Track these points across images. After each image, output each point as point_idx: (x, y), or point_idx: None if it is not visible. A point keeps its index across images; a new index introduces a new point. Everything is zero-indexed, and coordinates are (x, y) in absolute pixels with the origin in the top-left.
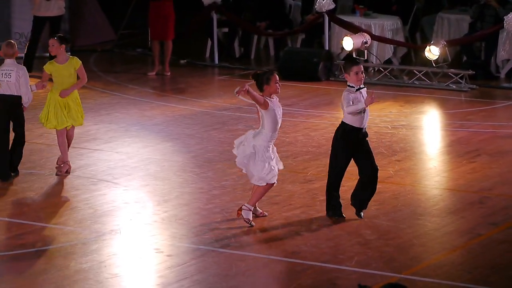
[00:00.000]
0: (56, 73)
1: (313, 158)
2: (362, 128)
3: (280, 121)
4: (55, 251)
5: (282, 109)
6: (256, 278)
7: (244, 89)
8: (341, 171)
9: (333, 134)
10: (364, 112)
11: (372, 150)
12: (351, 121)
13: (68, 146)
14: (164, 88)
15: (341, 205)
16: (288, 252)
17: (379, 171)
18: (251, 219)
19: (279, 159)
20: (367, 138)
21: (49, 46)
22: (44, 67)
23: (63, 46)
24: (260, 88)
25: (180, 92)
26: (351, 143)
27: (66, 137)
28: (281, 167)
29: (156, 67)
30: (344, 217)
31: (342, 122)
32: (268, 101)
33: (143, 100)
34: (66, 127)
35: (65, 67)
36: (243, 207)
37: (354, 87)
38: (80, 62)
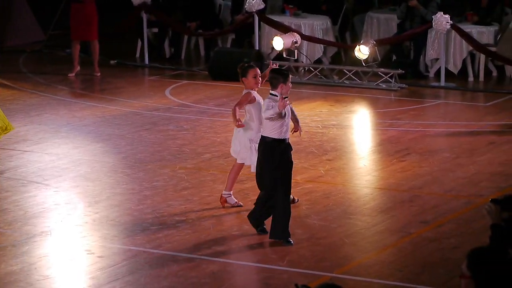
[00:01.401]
0: None
1: None
2: (284, 139)
3: None
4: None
5: (214, 109)
6: (188, 278)
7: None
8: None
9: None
10: (284, 120)
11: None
12: (270, 132)
13: None
14: (94, 89)
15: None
16: (219, 252)
17: (311, 171)
18: (236, 201)
19: None
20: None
21: None
22: None
23: None
24: (240, 79)
25: (110, 92)
26: (276, 157)
27: None
28: None
29: (75, 68)
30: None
31: (262, 136)
32: (253, 94)
33: (73, 101)
34: None
35: None
36: (224, 194)
37: (277, 95)
38: None
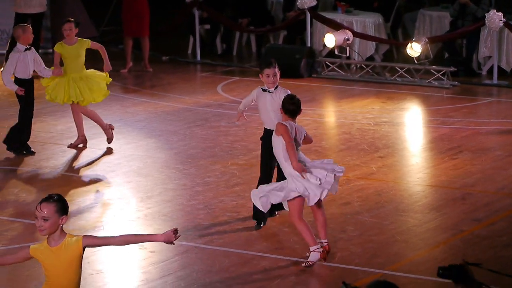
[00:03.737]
0: (66, 54)
1: None
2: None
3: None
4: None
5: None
6: (239, 274)
7: None
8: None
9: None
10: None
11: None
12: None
13: (78, 124)
14: (147, 85)
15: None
16: (271, 248)
17: (363, 168)
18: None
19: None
20: None
21: (65, 30)
22: (54, 48)
23: (77, 30)
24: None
25: (163, 88)
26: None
27: (88, 115)
28: None
29: (128, 64)
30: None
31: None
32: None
33: (126, 97)
34: (79, 103)
35: (74, 48)
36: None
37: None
38: (89, 40)
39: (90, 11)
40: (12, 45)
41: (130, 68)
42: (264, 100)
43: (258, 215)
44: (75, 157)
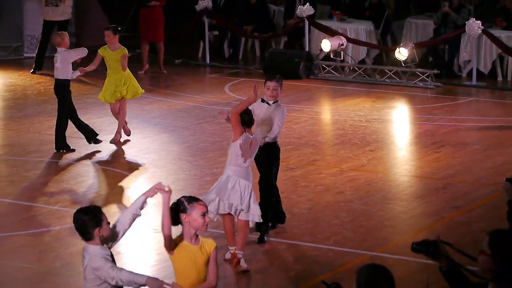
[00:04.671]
0: (108, 57)
1: (294, 148)
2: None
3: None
4: (63, 231)
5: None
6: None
7: None
8: None
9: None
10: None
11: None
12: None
13: (122, 118)
14: (161, 85)
15: None
16: (272, 232)
17: (355, 160)
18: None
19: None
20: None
21: (105, 36)
22: (98, 50)
23: (117, 36)
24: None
25: (175, 88)
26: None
27: (122, 110)
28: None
29: (144, 66)
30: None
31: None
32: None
33: (142, 96)
34: (120, 99)
35: (116, 54)
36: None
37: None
38: (127, 51)
39: (111, 18)
40: (41, 49)
41: (147, 70)
42: (260, 110)
43: (261, 228)
44: (96, 150)
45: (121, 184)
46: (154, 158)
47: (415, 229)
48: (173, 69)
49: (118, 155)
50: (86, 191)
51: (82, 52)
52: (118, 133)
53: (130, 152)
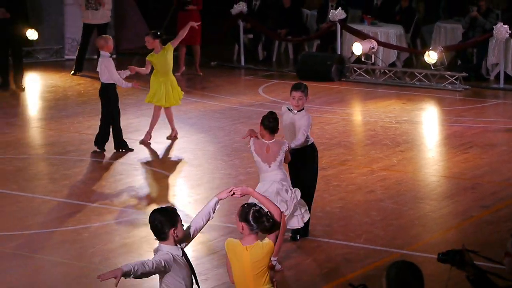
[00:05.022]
0: (155, 61)
1: (326, 148)
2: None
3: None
4: (102, 228)
5: None
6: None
7: None
8: None
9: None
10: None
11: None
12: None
13: (170, 121)
14: (197, 87)
15: None
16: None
17: (386, 160)
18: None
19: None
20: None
21: (145, 42)
22: (146, 57)
23: (156, 40)
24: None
25: (211, 90)
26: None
27: (166, 114)
28: None
29: (181, 68)
30: None
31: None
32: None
33: None
34: (160, 105)
35: (161, 55)
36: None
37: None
38: (171, 45)
39: (149, 22)
40: (81, 51)
41: (183, 72)
42: (287, 117)
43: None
44: (135, 149)
45: (158, 182)
46: (190, 157)
47: (444, 227)
48: (209, 71)
49: (156, 154)
50: (124, 189)
51: (122, 73)
52: (148, 134)
53: (167, 152)
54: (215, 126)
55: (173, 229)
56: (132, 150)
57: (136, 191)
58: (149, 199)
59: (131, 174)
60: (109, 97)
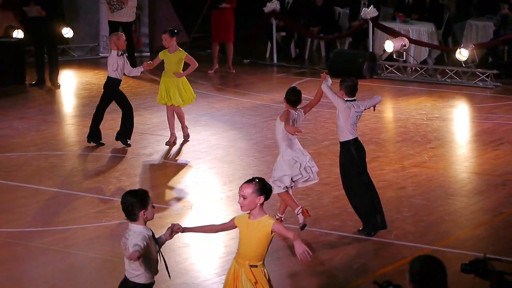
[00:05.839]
0: (167, 60)
1: None
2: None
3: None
4: None
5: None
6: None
7: None
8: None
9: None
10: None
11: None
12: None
13: (181, 122)
14: (230, 84)
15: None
16: (335, 226)
17: (417, 157)
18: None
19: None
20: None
21: (162, 40)
22: (159, 53)
23: (174, 38)
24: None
25: (244, 87)
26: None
27: (176, 114)
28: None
29: (214, 66)
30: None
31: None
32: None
33: (212, 94)
34: (173, 104)
35: (174, 56)
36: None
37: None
38: (186, 53)
39: (183, 20)
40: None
41: (216, 70)
42: (348, 110)
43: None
44: (167, 146)
45: (190, 179)
46: (223, 154)
47: (474, 223)
48: (242, 69)
49: (187, 151)
50: (157, 185)
51: (137, 70)
52: (172, 135)
53: (200, 148)
54: (248, 123)
55: (143, 211)
56: (103, 144)
57: (168, 187)
58: (181, 195)
59: (163, 171)
60: (109, 91)
